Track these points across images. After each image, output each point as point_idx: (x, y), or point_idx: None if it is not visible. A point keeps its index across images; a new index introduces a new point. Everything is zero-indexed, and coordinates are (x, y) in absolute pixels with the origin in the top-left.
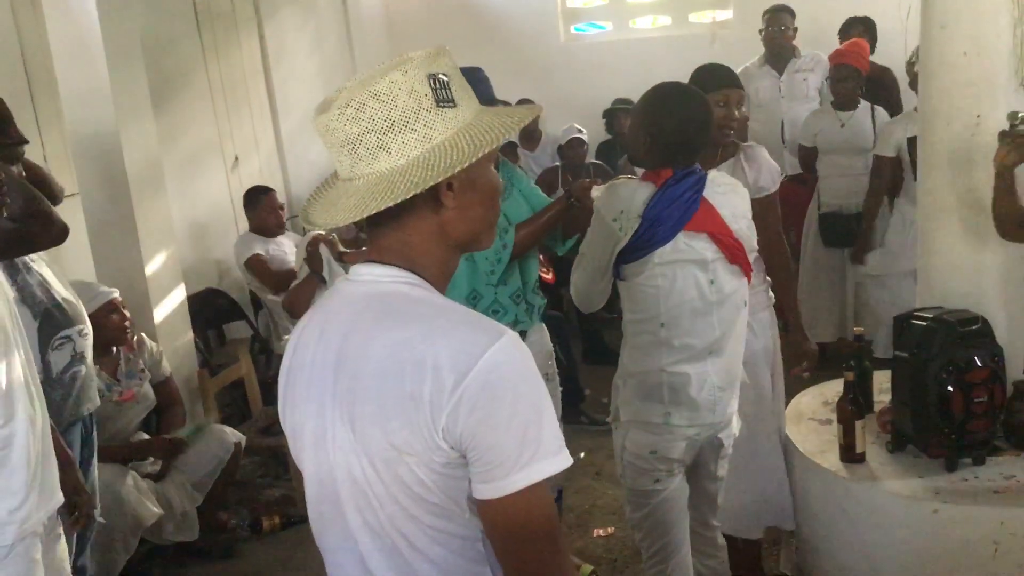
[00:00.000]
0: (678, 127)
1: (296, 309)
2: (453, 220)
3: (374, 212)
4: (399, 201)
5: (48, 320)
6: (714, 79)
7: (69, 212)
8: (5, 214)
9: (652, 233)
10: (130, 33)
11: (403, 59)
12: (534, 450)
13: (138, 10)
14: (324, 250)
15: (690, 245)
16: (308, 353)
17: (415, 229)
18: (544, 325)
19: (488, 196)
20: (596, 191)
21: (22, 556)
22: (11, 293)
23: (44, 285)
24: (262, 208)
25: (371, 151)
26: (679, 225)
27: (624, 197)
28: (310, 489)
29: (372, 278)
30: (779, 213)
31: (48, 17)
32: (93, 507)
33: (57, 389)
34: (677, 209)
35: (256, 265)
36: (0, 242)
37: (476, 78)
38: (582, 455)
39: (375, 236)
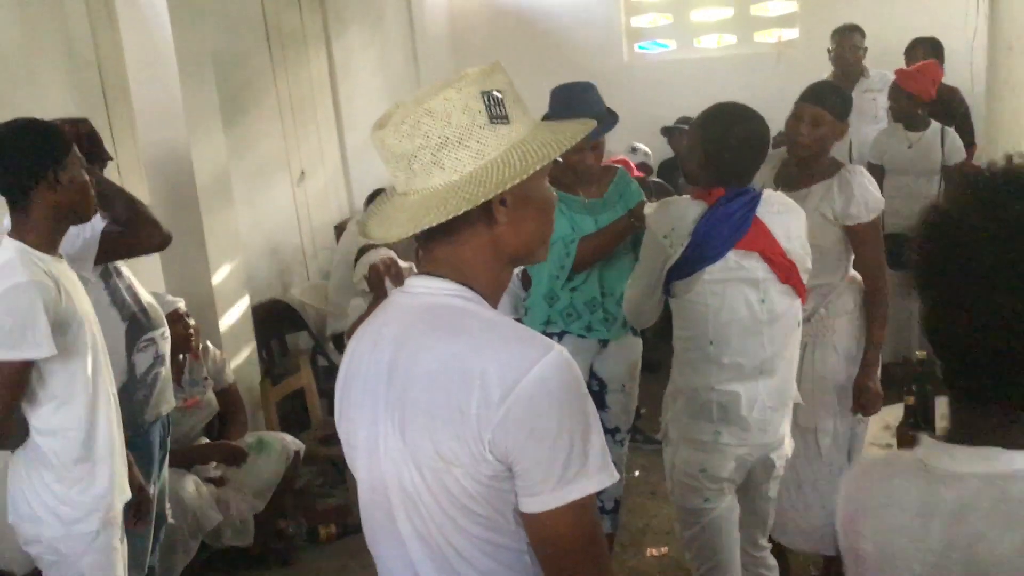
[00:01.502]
0: (732, 146)
1: None
2: (506, 234)
3: (427, 227)
4: (451, 216)
5: (135, 323)
6: (803, 92)
7: None
8: (109, 219)
9: (702, 250)
10: (202, 49)
11: (458, 76)
12: (580, 466)
13: (210, 26)
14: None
15: (740, 264)
16: (363, 362)
17: (468, 243)
18: (637, 338)
19: (541, 211)
20: (649, 208)
21: (105, 543)
22: (104, 296)
23: (132, 289)
24: None
25: (425, 167)
26: (729, 243)
27: (675, 214)
28: (363, 496)
29: (425, 290)
30: (879, 243)
31: (124, 32)
32: (162, 506)
33: (141, 389)
34: (728, 227)
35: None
36: (106, 244)
37: (585, 94)
38: (636, 473)
39: (429, 249)
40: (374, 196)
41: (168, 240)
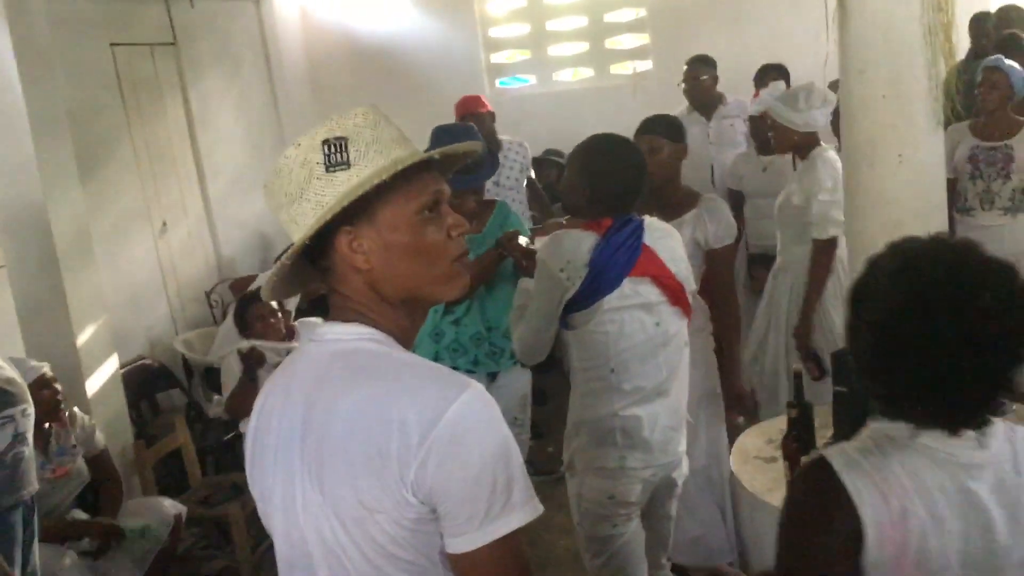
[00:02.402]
0: (617, 176)
1: (240, 413)
2: (378, 277)
3: (273, 286)
4: (283, 273)
5: None
6: (636, 129)
7: None
8: None
9: (599, 281)
10: (54, 102)
11: (307, 131)
12: (504, 501)
13: (61, 80)
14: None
15: (635, 290)
16: (274, 417)
17: (350, 288)
18: (525, 369)
19: (414, 251)
20: (539, 242)
21: None
22: None
23: None
24: None
25: (287, 224)
26: (625, 271)
27: (568, 248)
28: (281, 554)
29: (334, 337)
30: (733, 264)
31: None
32: None
33: (0, 470)
34: (622, 256)
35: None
36: None
37: (465, 137)
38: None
39: (330, 297)
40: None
41: None
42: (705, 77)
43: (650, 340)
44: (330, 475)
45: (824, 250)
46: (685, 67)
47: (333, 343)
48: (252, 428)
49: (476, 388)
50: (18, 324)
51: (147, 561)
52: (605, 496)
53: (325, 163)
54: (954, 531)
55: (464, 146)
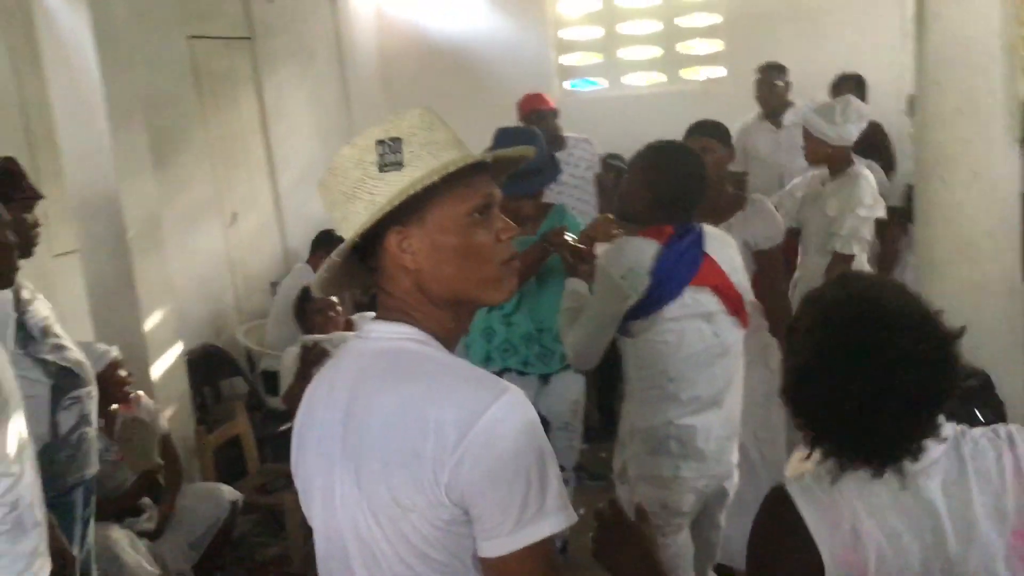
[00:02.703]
0: (679, 184)
1: (296, 406)
2: (426, 278)
3: (323, 281)
4: (333, 268)
5: (60, 381)
6: (686, 132)
7: (67, 269)
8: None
9: (661, 290)
10: (131, 92)
11: (363, 131)
12: (537, 508)
13: (139, 69)
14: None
15: (696, 299)
16: (319, 409)
17: (398, 288)
18: (578, 374)
19: (455, 253)
20: (600, 248)
21: None
22: (24, 359)
23: (59, 347)
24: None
25: (340, 223)
26: (686, 280)
27: (631, 256)
28: (319, 545)
29: (379, 335)
30: (781, 264)
31: (50, 75)
32: (88, 570)
33: (64, 449)
34: (684, 265)
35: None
36: None
37: (528, 142)
38: (581, 511)
39: (378, 295)
40: (321, 239)
41: None
42: (779, 84)
43: (708, 350)
44: (367, 471)
45: (843, 264)
46: (757, 74)
47: (377, 341)
48: (298, 419)
49: (514, 393)
50: (88, 307)
51: (203, 545)
52: (658, 505)
53: (379, 163)
54: (911, 544)
55: (517, 151)
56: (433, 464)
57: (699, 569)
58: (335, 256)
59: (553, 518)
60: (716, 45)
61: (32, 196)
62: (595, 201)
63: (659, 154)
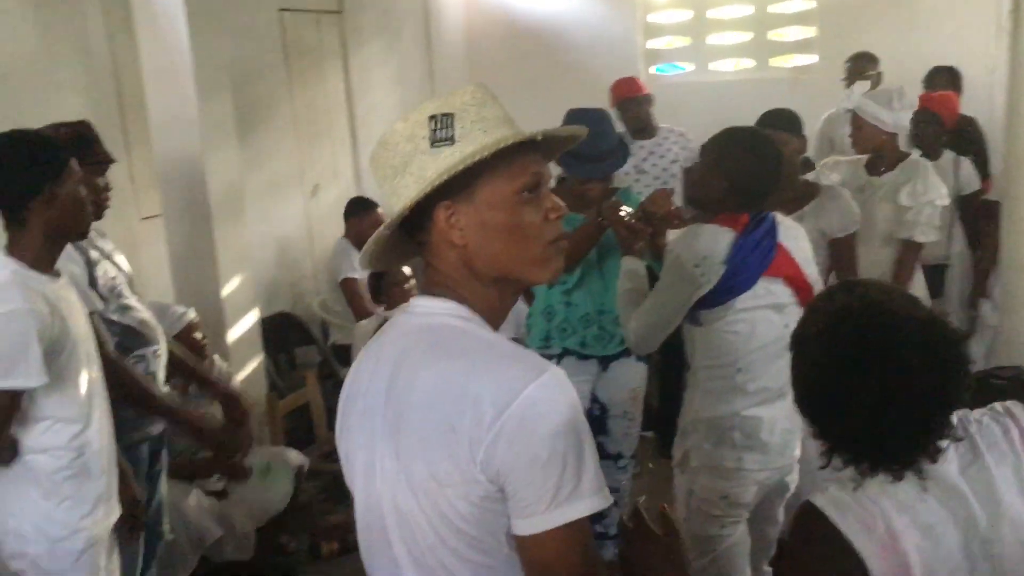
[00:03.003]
0: (756, 171)
1: None
2: (472, 254)
3: (371, 255)
4: (383, 242)
5: (125, 340)
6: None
7: (153, 233)
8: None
9: (735, 280)
10: (219, 62)
11: (416, 107)
12: (572, 488)
13: (228, 40)
14: None
15: (768, 289)
16: (364, 382)
17: (444, 264)
18: (639, 362)
19: (510, 232)
20: (673, 235)
21: (90, 562)
22: (92, 309)
23: (124, 306)
24: (366, 222)
25: (389, 196)
26: (760, 270)
27: (706, 244)
28: (360, 516)
29: (424, 310)
30: (855, 253)
31: (142, 43)
32: (158, 523)
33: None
34: (758, 255)
35: (351, 288)
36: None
37: (598, 124)
38: (642, 499)
39: (425, 271)
40: (350, 208)
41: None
42: (871, 74)
43: (778, 341)
44: (405, 445)
45: (916, 252)
46: (848, 63)
47: (422, 317)
48: (344, 391)
49: (555, 372)
50: (169, 270)
51: (269, 507)
52: (718, 496)
53: (430, 138)
54: (946, 532)
55: (567, 130)
56: (469, 440)
57: (754, 564)
58: (384, 229)
59: (588, 500)
60: (808, 32)
61: (104, 160)
62: (680, 195)
63: (735, 140)
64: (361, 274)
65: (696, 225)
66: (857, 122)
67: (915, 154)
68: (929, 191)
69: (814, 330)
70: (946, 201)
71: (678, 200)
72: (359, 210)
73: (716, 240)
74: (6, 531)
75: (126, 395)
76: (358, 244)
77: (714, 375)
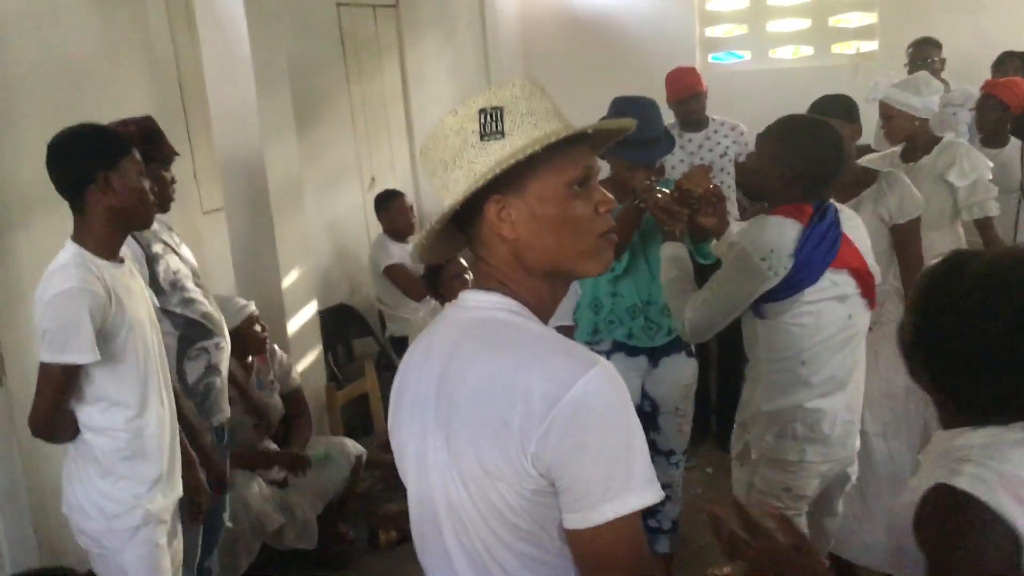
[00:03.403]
0: (823, 159)
1: None
2: (524, 248)
3: (422, 249)
4: (433, 235)
5: (187, 332)
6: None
7: (215, 226)
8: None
9: (803, 273)
10: (278, 55)
11: (465, 100)
12: (623, 482)
13: (287, 35)
14: None
15: (833, 281)
16: (415, 375)
17: (494, 257)
18: (690, 358)
19: (561, 224)
20: (737, 227)
21: (146, 539)
22: (155, 303)
23: (187, 298)
24: (394, 210)
25: (439, 190)
26: (827, 262)
27: (773, 236)
28: (412, 508)
29: (475, 304)
30: (919, 239)
31: (203, 39)
32: (219, 511)
33: (191, 397)
34: (825, 247)
35: (398, 273)
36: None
37: (644, 112)
38: (699, 491)
39: (475, 264)
40: (379, 201)
41: None
42: (934, 60)
43: (842, 332)
44: (457, 438)
45: (993, 227)
46: (910, 49)
47: (473, 310)
48: (396, 384)
49: (605, 366)
50: (231, 262)
51: (328, 495)
52: (781, 488)
53: (480, 132)
54: None
55: (617, 123)
56: (520, 434)
57: None
58: (436, 224)
59: (640, 494)
60: (870, 18)
61: (169, 154)
62: (732, 190)
63: (795, 129)
64: (401, 258)
65: (761, 217)
66: (888, 111)
67: (952, 137)
68: (977, 166)
69: (975, 295)
70: (992, 176)
71: (729, 191)
72: (386, 202)
73: (783, 232)
74: (71, 507)
75: None
76: (392, 233)
77: (777, 368)
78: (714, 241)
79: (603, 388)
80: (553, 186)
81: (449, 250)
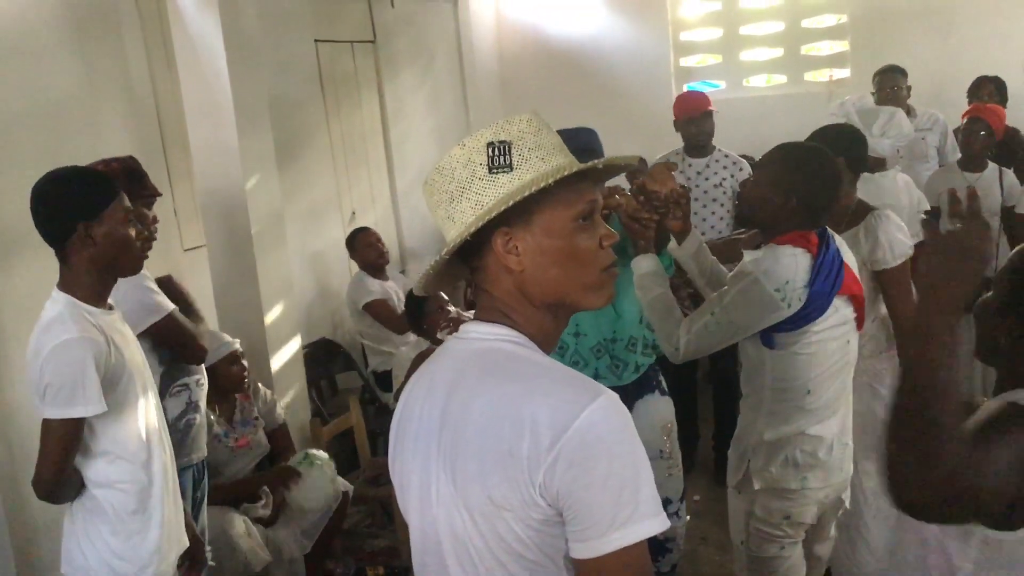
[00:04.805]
0: (819, 187)
1: None
2: (528, 280)
3: (427, 281)
4: (439, 267)
5: (170, 367)
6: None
7: (196, 264)
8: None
9: (815, 304)
10: (258, 94)
11: (473, 134)
12: (630, 511)
13: (266, 72)
14: None
15: (836, 307)
16: (416, 407)
17: (498, 288)
18: (663, 396)
19: (567, 256)
20: (749, 255)
21: None
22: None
23: None
24: (361, 246)
25: (443, 221)
26: (835, 292)
27: (787, 267)
28: (415, 541)
29: (478, 336)
30: (909, 286)
31: (182, 77)
32: (204, 552)
33: (172, 435)
34: (832, 276)
35: (379, 309)
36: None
37: (578, 138)
38: (687, 518)
39: (477, 296)
40: (350, 238)
41: (202, 358)
42: (900, 88)
43: (841, 359)
44: (462, 470)
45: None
46: (877, 77)
47: (476, 341)
48: (396, 417)
49: (610, 396)
50: (213, 300)
51: (315, 533)
52: (781, 516)
53: (488, 165)
54: None
55: (624, 158)
56: (528, 464)
57: None
58: (444, 254)
59: (646, 522)
60: (841, 46)
61: (152, 193)
62: (727, 220)
63: (797, 156)
64: (382, 294)
65: (771, 247)
66: None
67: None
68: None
69: None
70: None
71: (720, 223)
72: (353, 240)
73: (796, 264)
74: (74, 568)
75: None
76: (368, 268)
77: (781, 397)
78: (672, 242)
79: (609, 417)
80: (560, 219)
81: (448, 281)
